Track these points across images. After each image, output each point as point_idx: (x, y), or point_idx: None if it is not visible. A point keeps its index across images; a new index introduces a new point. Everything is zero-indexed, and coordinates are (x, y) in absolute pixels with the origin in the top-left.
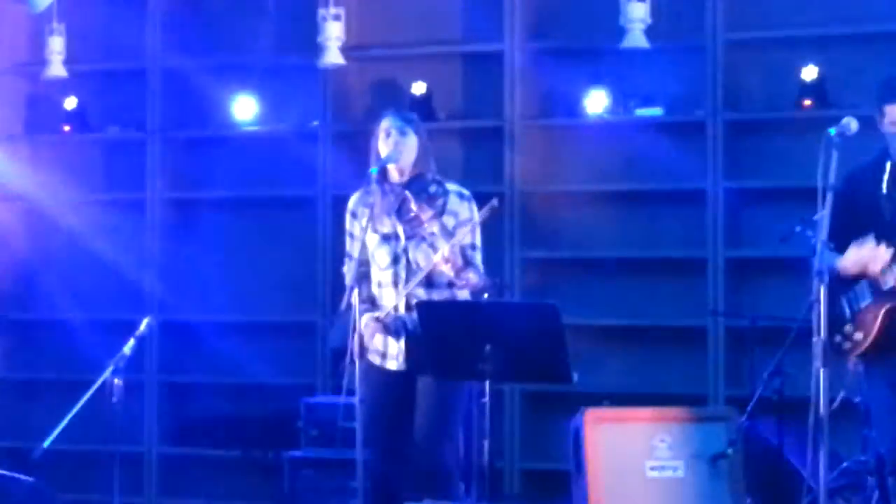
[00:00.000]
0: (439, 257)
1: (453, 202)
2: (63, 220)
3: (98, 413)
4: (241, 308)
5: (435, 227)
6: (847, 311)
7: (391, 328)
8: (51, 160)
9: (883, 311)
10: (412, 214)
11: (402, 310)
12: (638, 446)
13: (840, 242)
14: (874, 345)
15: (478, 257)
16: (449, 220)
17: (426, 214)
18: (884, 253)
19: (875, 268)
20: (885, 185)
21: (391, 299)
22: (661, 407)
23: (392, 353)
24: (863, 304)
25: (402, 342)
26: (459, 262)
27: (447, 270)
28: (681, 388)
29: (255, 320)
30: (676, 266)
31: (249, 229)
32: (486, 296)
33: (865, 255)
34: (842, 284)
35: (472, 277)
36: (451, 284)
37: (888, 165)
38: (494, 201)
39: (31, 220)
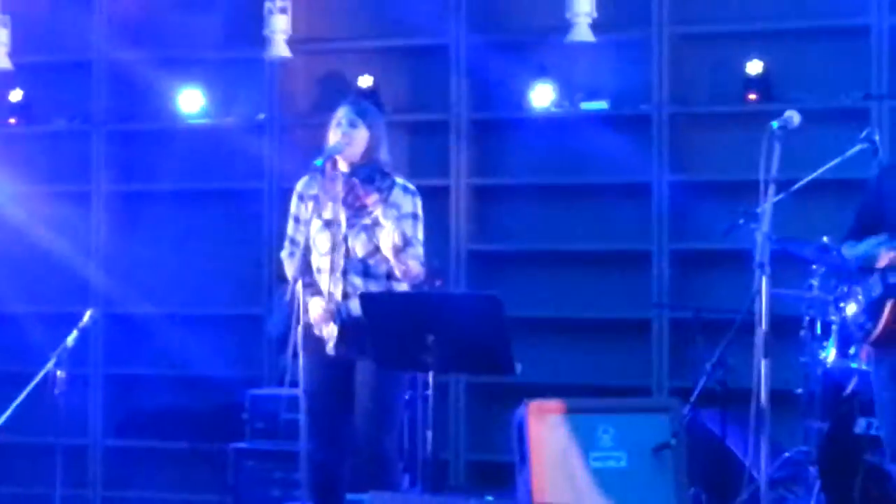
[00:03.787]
0: (386, 235)
1: (397, 194)
2: (8, 213)
3: (41, 405)
4: (186, 300)
5: (378, 210)
6: (863, 300)
7: (335, 316)
8: None
9: (891, 302)
10: (357, 199)
11: (338, 297)
12: (582, 437)
13: (862, 235)
14: (883, 334)
15: (419, 251)
16: (391, 212)
17: (371, 198)
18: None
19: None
20: None
21: (328, 285)
22: (604, 398)
23: (332, 339)
24: (874, 295)
25: (339, 329)
26: (400, 243)
27: (389, 254)
28: (625, 379)
29: (201, 313)
30: (621, 258)
31: (195, 222)
32: (438, 283)
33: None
34: (860, 275)
35: (413, 264)
36: (389, 276)
37: None
38: (438, 282)
39: None
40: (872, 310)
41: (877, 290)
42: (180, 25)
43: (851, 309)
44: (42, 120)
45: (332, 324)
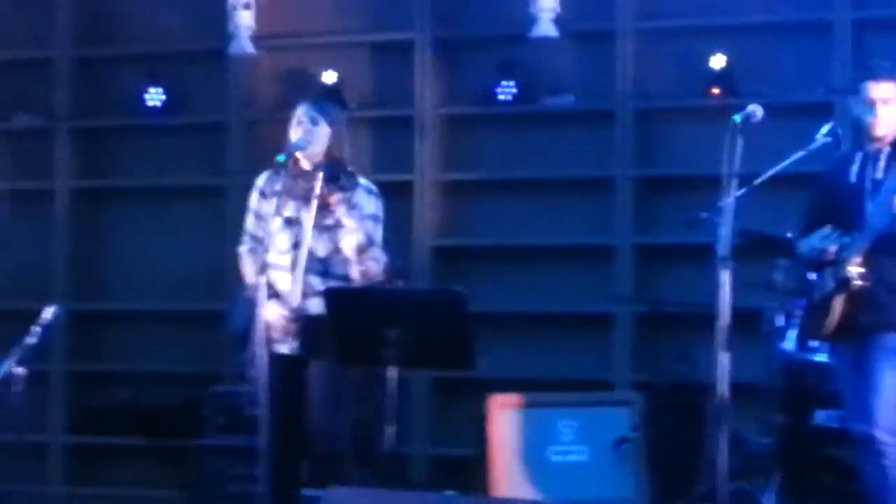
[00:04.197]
0: (349, 236)
1: (360, 195)
2: None
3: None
4: (149, 297)
5: (342, 211)
6: (817, 295)
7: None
8: None
9: (843, 297)
10: (321, 198)
11: (297, 295)
12: (544, 432)
13: (817, 228)
14: (838, 328)
15: (378, 253)
16: (354, 213)
17: (334, 198)
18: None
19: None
20: (853, 174)
21: (286, 284)
22: (566, 392)
23: (289, 338)
24: (826, 290)
25: (299, 327)
26: (364, 243)
27: (351, 254)
28: (587, 373)
29: (163, 309)
30: (585, 253)
31: (158, 218)
32: (400, 283)
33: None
34: (815, 269)
35: (371, 265)
36: (346, 277)
37: (858, 156)
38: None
39: None
40: (826, 305)
41: (829, 285)
42: (144, 21)
43: (807, 304)
44: (3, 116)
45: (288, 325)
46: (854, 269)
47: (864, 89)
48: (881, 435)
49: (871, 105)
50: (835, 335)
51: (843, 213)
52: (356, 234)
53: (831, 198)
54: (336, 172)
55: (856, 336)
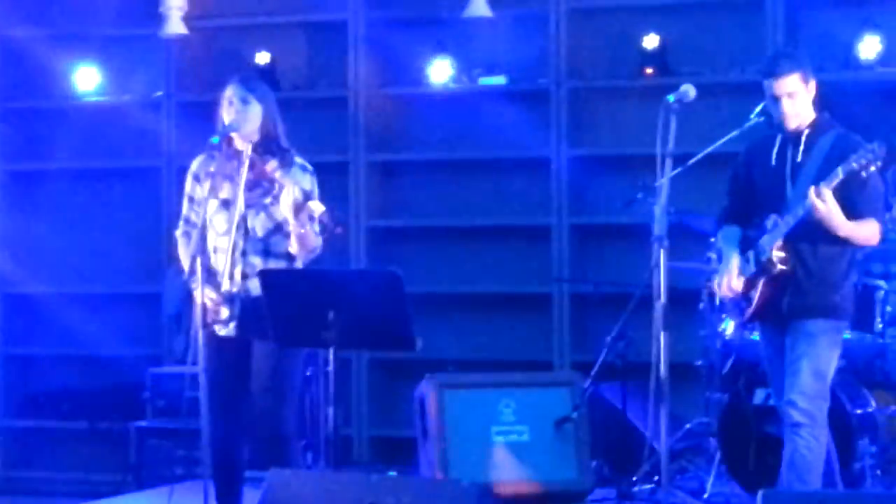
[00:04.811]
0: (286, 194)
1: (296, 173)
2: None
3: None
4: (85, 279)
5: (278, 174)
6: (742, 277)
7: (229, 299)
8: None
9: (762, 281)
10: (260, 174)
11: (237, 277)
12: (484, 412)
13: (739, 213)
14: (759, 309)
15: (316, 228)
16: (290, 178)
17: (271, 165)
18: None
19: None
20: (773, 158)
21: (226, 266)
22: (506, 372)
23: (226, 320)
24: (749, 275)
25: (237, 309)
26: (301, 198)
27: (288, 213)
28: (526, 354)
29: (100, 292)
30: (521, 233)
31: (93, 200)
32: (338, 230)
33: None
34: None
35: (310, 233)
36: (289, 256)
37: (778, 139)
38: (339, 228)
39: None
40: (747, 288)
41: (750, 270)
42: (76, 2)
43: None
44: None
45: (224, 308)
46: (775, 254)
47: (767, 87)
48: (797, 416)
49: (776, 101)
50: (756, 318)
51: (765, 196)
52: (292, 189)
53: (753, 180)
54: (271, 149)
55: (776, 319)
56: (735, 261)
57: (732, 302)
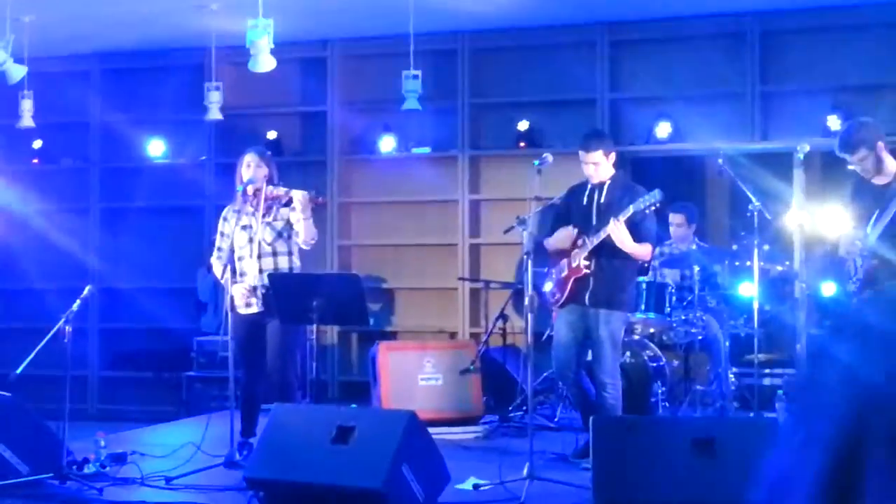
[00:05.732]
0: (298, 193)
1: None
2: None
3: (55, 350)
4: (152, 277)
5: (282, 190)
6: (556, 278)
7: (253, 289)
8: None
9: (572, 279)
10: (273, 200)
11: (256, 273)
12: (413, 365)
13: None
14: (565, 300)
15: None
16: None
17: (279, 190)
18: (571, 233)
19: (567, 244)
20: (584, 198)
21: (248, 266)
22: (427, 340)
23: (253, 303)
24: (562, 275)
25: (260, 295)
26: (309, 194)
27: (303, 205)
28: (441, 326)
29: (161, 286)
30: (437, 249)
31: (158, 227)
32: (320, 200)
33: (563, 235)
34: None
35: (310, 225)
36: (288, 252)
37: (588, 186)
38: (321, 199)
39: None
40: (561, 285)
41: (564, 270)
42: (149, 96)
43: (548, 286)
44: (54, 160)
45: (252, 298)
46: (582, 262)
47: (581, 156)
48: (604, 377)
49: (586, 166)
50: (566, 304)
51: (577, 224)
52: (296, 193)
53: (570, 212)
54: (275, 185)
55: (580, 306)
56: (568, 229)
57: (551, 293)
